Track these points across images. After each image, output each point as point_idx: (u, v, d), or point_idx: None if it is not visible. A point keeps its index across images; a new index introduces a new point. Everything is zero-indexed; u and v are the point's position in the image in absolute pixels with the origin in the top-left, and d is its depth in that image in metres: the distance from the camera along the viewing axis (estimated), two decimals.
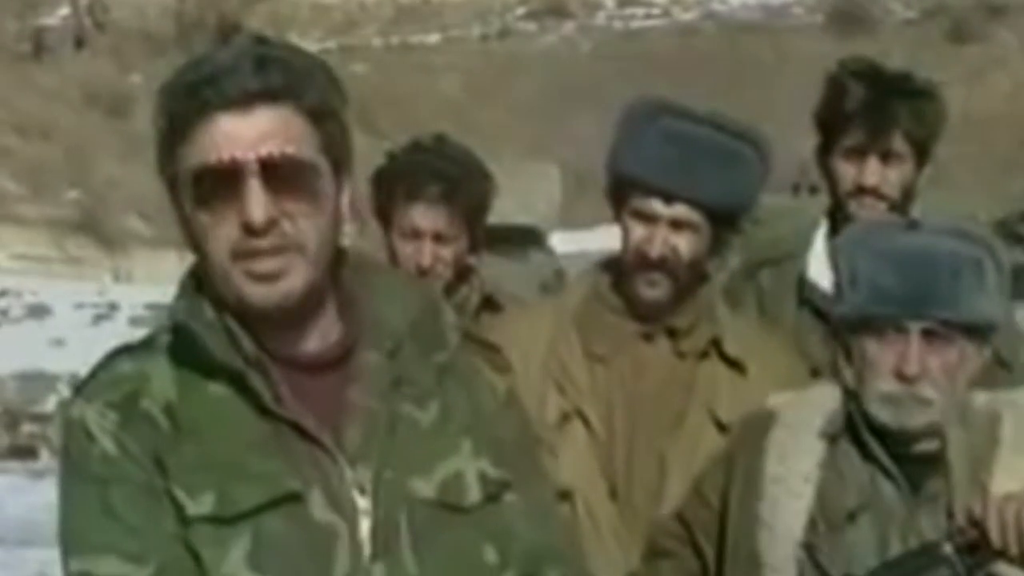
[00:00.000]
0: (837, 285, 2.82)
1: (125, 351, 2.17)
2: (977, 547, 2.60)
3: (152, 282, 20.20)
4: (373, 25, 34.80)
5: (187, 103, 2.06)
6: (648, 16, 36.51)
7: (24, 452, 15.16)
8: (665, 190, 3.11)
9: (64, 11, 36.00)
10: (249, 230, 2.03)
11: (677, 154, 3.10)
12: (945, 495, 2.71)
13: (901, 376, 2.68)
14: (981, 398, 2.80)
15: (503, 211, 4.46)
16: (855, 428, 2.74)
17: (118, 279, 25.61)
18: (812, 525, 2.72)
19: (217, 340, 2.10)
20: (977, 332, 2.71)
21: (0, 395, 16.39)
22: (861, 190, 3.65)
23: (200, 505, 2.05)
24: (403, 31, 35.17)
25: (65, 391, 14.80)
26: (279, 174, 2.04)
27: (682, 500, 2.99)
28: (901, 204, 3.68)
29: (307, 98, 2.08)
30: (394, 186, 3.67)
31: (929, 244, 2.73)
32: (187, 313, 2.12)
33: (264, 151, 2.04)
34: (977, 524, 2.60)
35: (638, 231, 3.13)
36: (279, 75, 2.06)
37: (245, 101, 2.05)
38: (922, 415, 2.69)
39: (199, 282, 2.15)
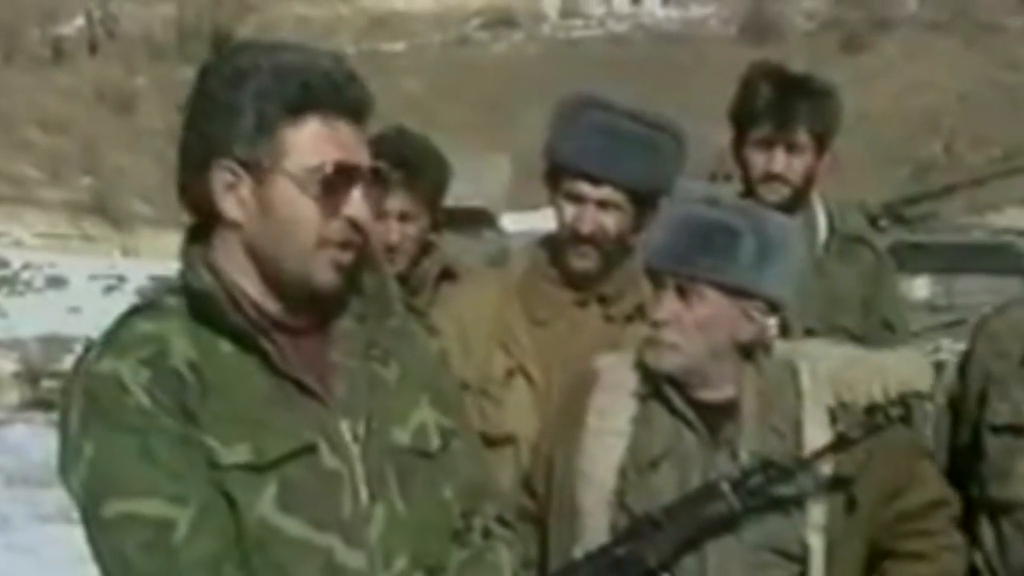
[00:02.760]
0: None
1: (138, 312, 2.12)
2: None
3: (156, 257, 20.13)
4: (348, 34, 34.62)
5: (307, 99, 2.04)
6: (586, 27, 36.53)
7: (45, 404, 15.08)
8: (592, 174, 3.11)
9: (79, 21, 35.77)
10: (356, 226, 2.05)
11: (603, 143, 3.10)
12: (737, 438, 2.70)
13: (652, 322, 2.67)
14: (779, 348, 2.78)
15: (460, 195, 4.46)
16: (656, 381, 2.73)
17: (126, 254, 25.46)
18: (623, 474, 2.70)
19: (229, 307, 2.09)
20: (732, 293, 2.67)
21: (24, 355, 16.32)
22: (769, 176, 3.67)
23: (235, 454, 2.03)
24: (374, 39, 35.03)
25: (81, 351, 14.74)
26: (373, 182, 2.09)
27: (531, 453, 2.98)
28: (803, 188, 3.69)
29: (370, 116, 2.12)
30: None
31: (701, 214, 2.70)
32: (202, 283, 2.09)
33: (369, 160, 2.08)
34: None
35: (570, 210, 3.15)
36: (368, 94, 2.10)
37: (359, 113, 2.08)
38: (670, 359, 2.67)
39: (194, 248, 2.13)
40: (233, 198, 2.09)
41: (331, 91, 2.06)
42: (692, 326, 2.67)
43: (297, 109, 2.05)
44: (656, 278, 2.72)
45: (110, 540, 2.03)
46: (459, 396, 2.38)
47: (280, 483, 2.05)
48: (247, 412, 2.06)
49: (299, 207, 2.06)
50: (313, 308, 2.14)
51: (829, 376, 2.74)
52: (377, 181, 2.11)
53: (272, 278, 2.10)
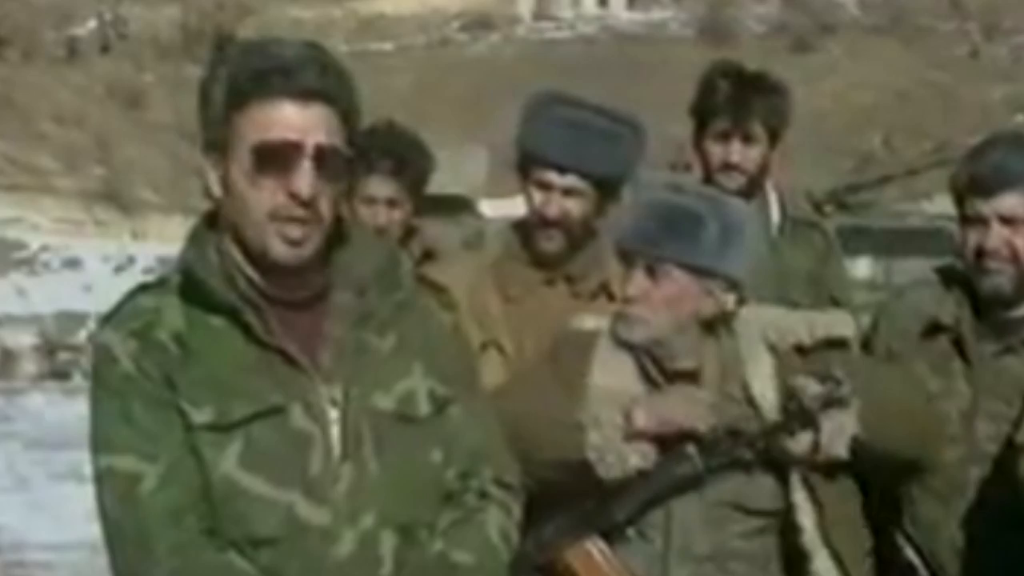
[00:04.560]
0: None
1: (144, 289, 2.14)
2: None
3: (162, 240, 20.10)
4: (340, 35, 34.56)
5: (255, 84, 2.03)
6: (558, 29, 36.57)
7: (60, 375, 15.10)
8: (559, 164, 3.11)
9: (92, 23, 35.65)
10: (297, 200, 2.02)
11: (568, 135, 3.10)
12: None
13: (623, 297, 2.67)
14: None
15: (442, 183, 4.44)
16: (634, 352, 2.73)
17: (135, 238, 25.38)
18: None
19: (218, 282, 2.07)
20: (696, 273, 2.64)
21: (41, 329, 16.33)
22: (727, 166, 3.66)
23: (202, 415, 2.03)
24: (364, 40, 34.99)
25: (93, 327, 14.73)
26: (322, 159, 2.04)
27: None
28: (758, 176, 3.69)
29: (344, 102, 2.08)
30: (354, 162, 3.64)
31: (668, 200, 2.69)
32: (195, 260, 2.09)
33: (318, 139, 2.03)
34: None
35: (538, 197, 3.14)
36: (332, 80, 2.06)
37: (307, 95, 2.03)
38: (638, 331, 2.64)
39: (207, 228, 2.12)
40: (214, 178, 2.11)
41: (280, 76, 2.04)
42: (659, 302, 2.66)
43: (249, 95, 2.05)
44: (627, 257, 2.71)
45: (97, 491, 2.07)
46: (468, 367, 2.33)
47: (245, 443, 2.05)
48: (220, 378, 2.06)
49: (246, 184, 2.06)
50: (299, 282, 2.11)
51: (760, 323, 2.75)
52: (327, 159, 2.05)
53: (246, 251, 2.10)
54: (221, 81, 2.06)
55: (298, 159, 2.02)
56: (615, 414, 2.60)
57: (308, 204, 2.03)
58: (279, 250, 2.05)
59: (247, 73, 2.05)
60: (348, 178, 2.14)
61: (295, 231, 2.04)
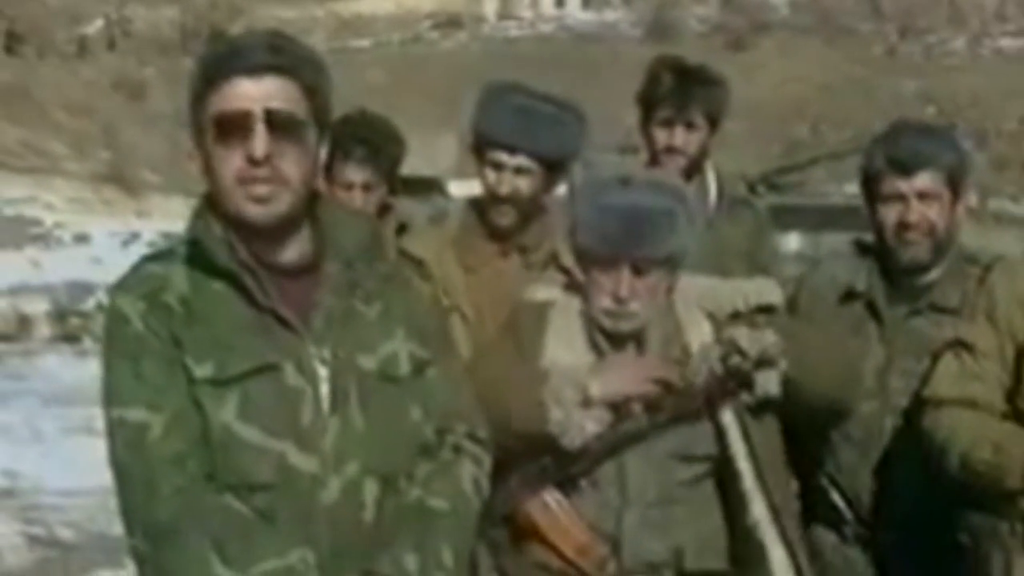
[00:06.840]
0: (572, 226, 2.78)
1: (152, 257, 2.16)
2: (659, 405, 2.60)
3: (164, 218, 19.97)
4: (321, 33, 34.29)
5: (216, 68, 2.06)
6: (519, 27, 36.49)
7: (72, 338, 15.03)
8: (509, 145, 3.13)
9: (100, 23, 35.38)
10: (252, 161, 2.03)
11: (517, 120, 3.13)
12: None
13: (616, 298, 2.65)
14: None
15: (414, 166, 4.44)
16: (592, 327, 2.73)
17: (139, 216, 25.20)
18: None
19: (221, 250, 2.08)
20: (669, 262, 2.68)
21: (54, 298, 16.26)
22: (670, 149, 3.68)
23: (204, 370, 2.05)
24: (343, 38, 34.75)
25: (101, 295, 14.67)
26: (278, 124, 2.04)
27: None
28: (698, 159, 3.70)
29: (303, 75, 2.08)
30: (333, 149, 3.62)
31: (636, 199, 2.68)
32: (199, 230, 2.10)
33: (269, 105, 2.04)
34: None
35: (491, 176, 3.17)
36: (284, 56, 2.07)
37: (258, 70, 2.05)
38: (630, 323, 2.68)
39: (209, 205, 2.13)
40: (199, 157, 2.12)
41: (235, 57, 2.07)
42: (645, 293, 2.67)
43: (213, 77, 2.08)
44: (607, 260, 2.69)
45: (109, 440, 2.08)
46: (444, 332, 2.35)
47: (242, 396, 2.06)
48: (221, 337, 2.07)
49: (214, 154, 2.08)
50: (281, 247, 2.12)
51: (698, 293, 2.76)
52: (280, 123, 2.06)
53: (227, 219, 2.10)
54: (198, 74, 2.09)
55: (252, 125, 2.03)
56: (573, 390, 2.61)
57: (265, 163, 2.03)
58: (249, 209, 2.05)
59: (213, 59, 2.08)
60: (315, 143, 2.11)
61: (259, 189, 2.04)
